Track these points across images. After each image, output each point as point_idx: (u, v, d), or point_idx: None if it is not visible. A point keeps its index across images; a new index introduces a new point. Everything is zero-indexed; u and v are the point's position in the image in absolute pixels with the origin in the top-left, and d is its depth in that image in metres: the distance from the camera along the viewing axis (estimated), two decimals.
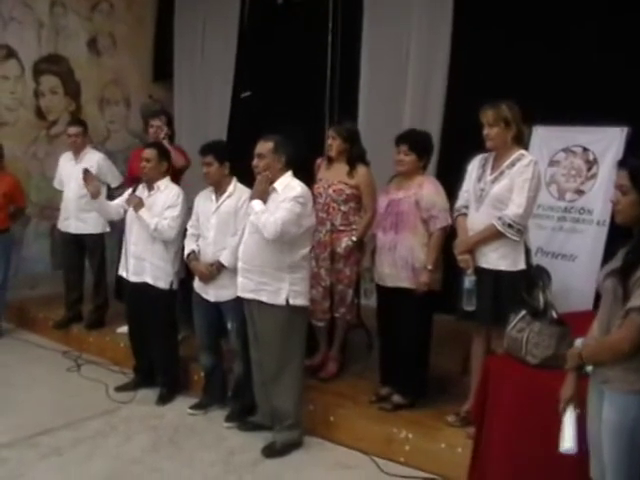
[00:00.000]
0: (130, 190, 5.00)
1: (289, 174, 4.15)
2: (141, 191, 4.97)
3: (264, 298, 4.10)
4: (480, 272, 3.93)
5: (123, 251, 5.05)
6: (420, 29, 6.19)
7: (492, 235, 3.87)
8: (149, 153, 4.91)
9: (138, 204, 4.85)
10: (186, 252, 4.68)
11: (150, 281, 4.90)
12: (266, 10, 7.36)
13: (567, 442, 2.67)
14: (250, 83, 7.43)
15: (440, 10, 6.01)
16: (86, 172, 5.03)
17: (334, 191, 4.79)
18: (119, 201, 5.09)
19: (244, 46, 7.59)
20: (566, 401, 2.71)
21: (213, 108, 7.80)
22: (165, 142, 5.54)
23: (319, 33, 6.65)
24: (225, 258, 4.48)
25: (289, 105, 6.64)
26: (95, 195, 4.98)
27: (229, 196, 4.52)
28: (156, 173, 4.90)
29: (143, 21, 8.12)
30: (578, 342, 2.79)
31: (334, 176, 4.83)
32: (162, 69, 8.22)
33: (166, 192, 4.89)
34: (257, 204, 4.07)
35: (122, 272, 5.05)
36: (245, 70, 7.55)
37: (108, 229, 6.00)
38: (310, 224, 4.15)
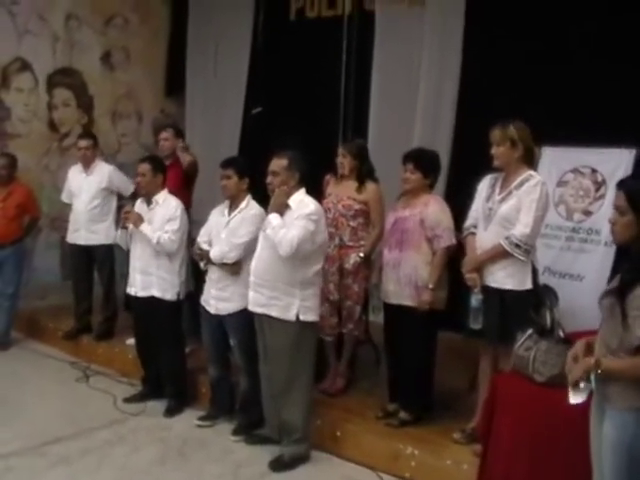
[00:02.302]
0: (128, 206, 5.03)
1: (302, 191, 4.19)
2: (140, 206, 5.03)
3: (274, 313, 4.13)
4: (487, 291, 3.95)
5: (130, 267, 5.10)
6: (431, 48, 6.21)
7: (499, 254, 3.90)
8: (143, 168, 4.93)
9: (137, 220, 4.89)
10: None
11: (158, 294, 4.93)
12: (279, 26, 7.44)
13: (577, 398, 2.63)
14: (262, 99, 7.47)
15: (451, 29, 6.04)
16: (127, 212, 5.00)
17: (343, 206, 4.83)
18: (120, 233, 5.10)
19: (256, 62, 7.64)
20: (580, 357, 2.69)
21: (225, 124, 7.83)
22: (180, 152, 5.68)
23: (331, 50, 6.70)
24: (213, 253, 4.53)
25: (301, 122, 6.65)
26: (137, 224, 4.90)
27: (240, 212, 4.56)
28: (152, 187, 4.94)
29: (157, 36, 8.18)
30: None
31: (343, 191, 4.87)
32: (174, 84, 8.27)
33: (165, 205, 4.93)
34: (275, 218, 4.10)
35: (129, 289, 5.08)
36: (257, 86, 7.61)
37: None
38: (322, 240, 4.19)
